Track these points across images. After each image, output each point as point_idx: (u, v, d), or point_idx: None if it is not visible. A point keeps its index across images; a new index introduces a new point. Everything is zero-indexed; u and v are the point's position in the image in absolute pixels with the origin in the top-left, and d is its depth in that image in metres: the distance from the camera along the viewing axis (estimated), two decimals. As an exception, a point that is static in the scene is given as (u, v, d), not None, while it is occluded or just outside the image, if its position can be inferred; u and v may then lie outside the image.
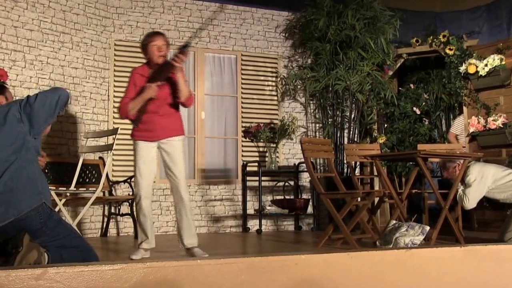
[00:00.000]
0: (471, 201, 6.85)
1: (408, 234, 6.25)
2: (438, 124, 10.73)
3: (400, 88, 10.87)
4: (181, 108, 9.88)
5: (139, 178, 5.89)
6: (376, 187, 9.60)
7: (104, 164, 8.62)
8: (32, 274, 2.84)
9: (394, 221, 6.73)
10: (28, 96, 4.42)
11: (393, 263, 3.76)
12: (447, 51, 9.60)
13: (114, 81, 9.19)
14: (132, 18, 9.50)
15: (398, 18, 9.96)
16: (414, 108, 10.26)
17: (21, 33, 8.21)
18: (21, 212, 4.10)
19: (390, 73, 10.31)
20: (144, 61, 6.14)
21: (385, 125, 10.52)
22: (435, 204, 7.31)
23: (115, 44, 9.33)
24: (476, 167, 6.95)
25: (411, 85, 10.75)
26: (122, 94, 8.99)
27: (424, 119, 10.41)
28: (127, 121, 9.16)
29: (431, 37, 9.92)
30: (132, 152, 9.08)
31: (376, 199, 7.67)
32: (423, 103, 10.39)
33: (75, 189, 7.26)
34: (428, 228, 6.36)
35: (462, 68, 9.34)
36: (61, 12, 8.67)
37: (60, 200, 7.24)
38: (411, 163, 9.27)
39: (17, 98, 6.05)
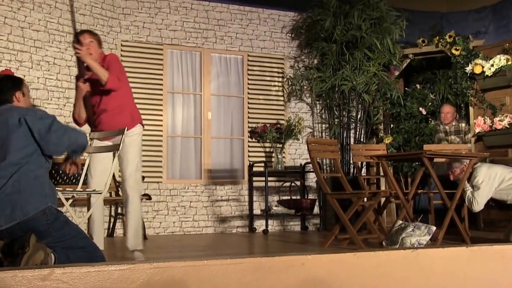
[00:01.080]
0: (480, 204, 6.84)
1: (414, 234, 6.24)
2: (444, 125, 10.71)
3: (406, 89, 10.85)
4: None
5: (88, 175, 5.91)
6: (383, 187, 9.60)
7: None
8: (38, 274, 2.85)
9: (400, 221, 6.72)
10: (52, 122, 4.42)
11: (399, 263, 3.76)
12: (453, 51, 9.59)
13: (121, 81, 9.19)
14: (139, 18, 9.51)
15: (404, 18, 9.95)
16: (420, 108, 10.24)
17: (28, 33, 8.22)
18: (27, 215, 4.11)
19: (396, 73, 10.31)
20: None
21: (391, 126, 10.50)
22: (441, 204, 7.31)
23: (121, 45, 9.34)
24: (483, 169, 6.93)
25: (417, 86, 10.72)
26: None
27: (430, 119, 10.39)
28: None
29: (437, 37, 9.91)
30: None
31: (383, 199, 7.67)
32: (429, 104, 10.36)
33: (81, 189, 7.26)
34: (434, 228, 6.36)
35: (468, 69, 9.33)
36: (67, 12, 8.67)
37: (67, 200, 7.25)
38: (417, 163, 9.26)
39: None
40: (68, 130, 4.53)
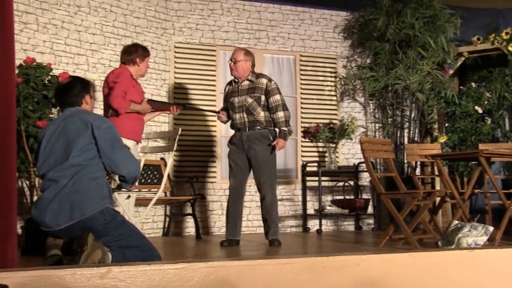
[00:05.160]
0: None
1: (471, 235, 6.17)
2: (501, 124, 10.53)
3: (461, 87, 10.72)
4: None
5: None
6: (438, 187, 9.51)
7: (165, 165, 8.71)
8: (96, 272, 2.92)
9: (456, 221, 6.65)
10: (115, 138, 4.57)
11: (456, 264, 3.73)
12: (510, 48, 9.45)
13: (175, 82, 9.28)
14: (192, 20, 9.58)
15: (458, 16, 9.85)
16: (476, 107, 10.11)
17: (84, 37, 8.35)
18: (85, 215, 4.23)
19: (451, 72, 10.19)
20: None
21: (446, 125, 10.40)
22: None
23: (175, 47, 9.42)
24: None
25: (473, 84, 10.58)
26: (183, 96, 9.05)
27: (487, 118, 10.25)
28: (188, 122, 9.23)
29: (493, 34, 9.78)
30: (193, 153, 9.17)
31: (438, 199, 7.60)
32: (485, 102, 10.23)
33: (137, 190, 7.38)
34: (491, 228, 6.27)
35: (525, 66, 9.20)
36: (122, 15, 8.80)
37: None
38: (473, 162, 9.14)
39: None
40: (131, 156, 4.69)
